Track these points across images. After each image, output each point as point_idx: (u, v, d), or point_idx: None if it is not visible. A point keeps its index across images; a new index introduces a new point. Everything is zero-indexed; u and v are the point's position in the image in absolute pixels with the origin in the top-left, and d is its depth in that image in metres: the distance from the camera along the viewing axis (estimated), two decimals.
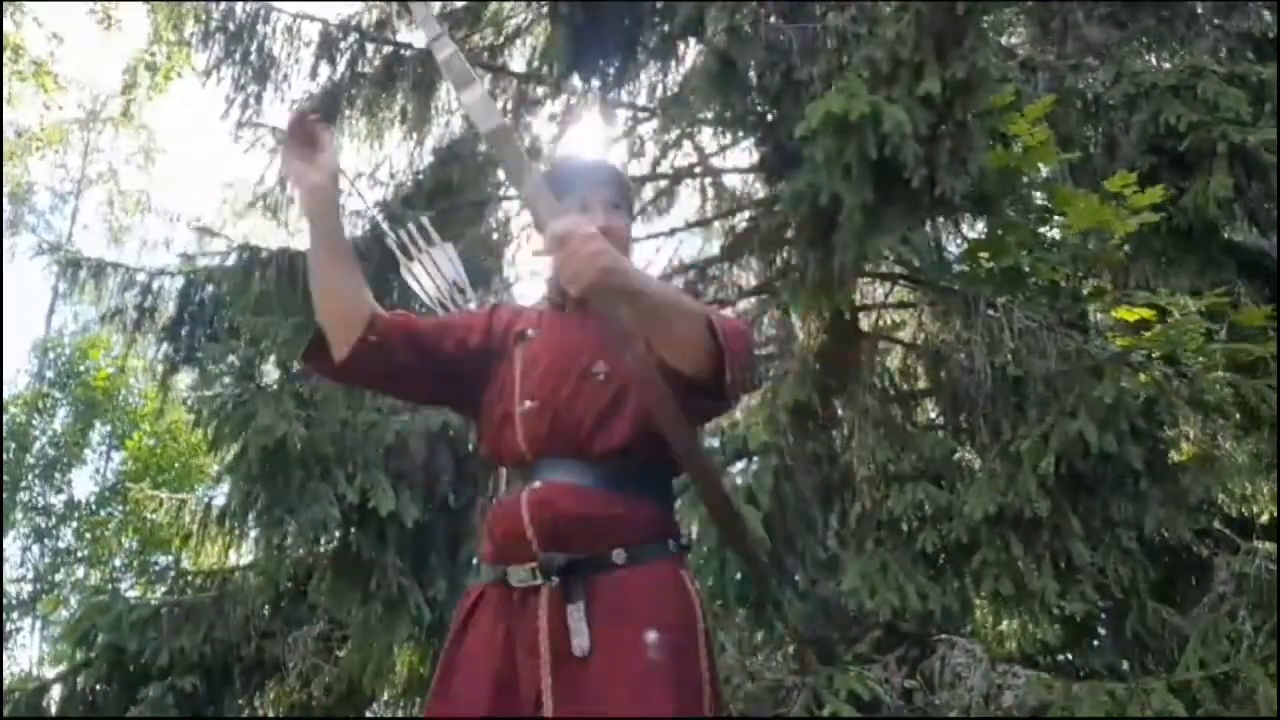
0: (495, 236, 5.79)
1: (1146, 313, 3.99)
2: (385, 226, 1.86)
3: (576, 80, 5.68)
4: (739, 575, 3.76)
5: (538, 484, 1.60)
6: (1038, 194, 4.41)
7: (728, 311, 5.49)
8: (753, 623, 3.98)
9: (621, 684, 1.45)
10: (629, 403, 1.61)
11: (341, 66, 6.08)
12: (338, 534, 4.27)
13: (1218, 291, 4.09)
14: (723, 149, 6.15)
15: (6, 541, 12.02)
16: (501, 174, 5.77)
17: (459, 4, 6.48)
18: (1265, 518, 4.19)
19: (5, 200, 13.99)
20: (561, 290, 1.74)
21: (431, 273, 1.89)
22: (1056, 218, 4.33)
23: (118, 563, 12.56)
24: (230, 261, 5.14)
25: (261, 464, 4.07)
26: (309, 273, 1.69)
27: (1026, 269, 4.24)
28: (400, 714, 5.37)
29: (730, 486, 3.93)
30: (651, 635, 1.48)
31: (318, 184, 1.64)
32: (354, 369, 1.70)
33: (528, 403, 1.66)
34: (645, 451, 1.61)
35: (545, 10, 5.85)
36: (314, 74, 6.05)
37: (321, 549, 4.46)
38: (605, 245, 1.40)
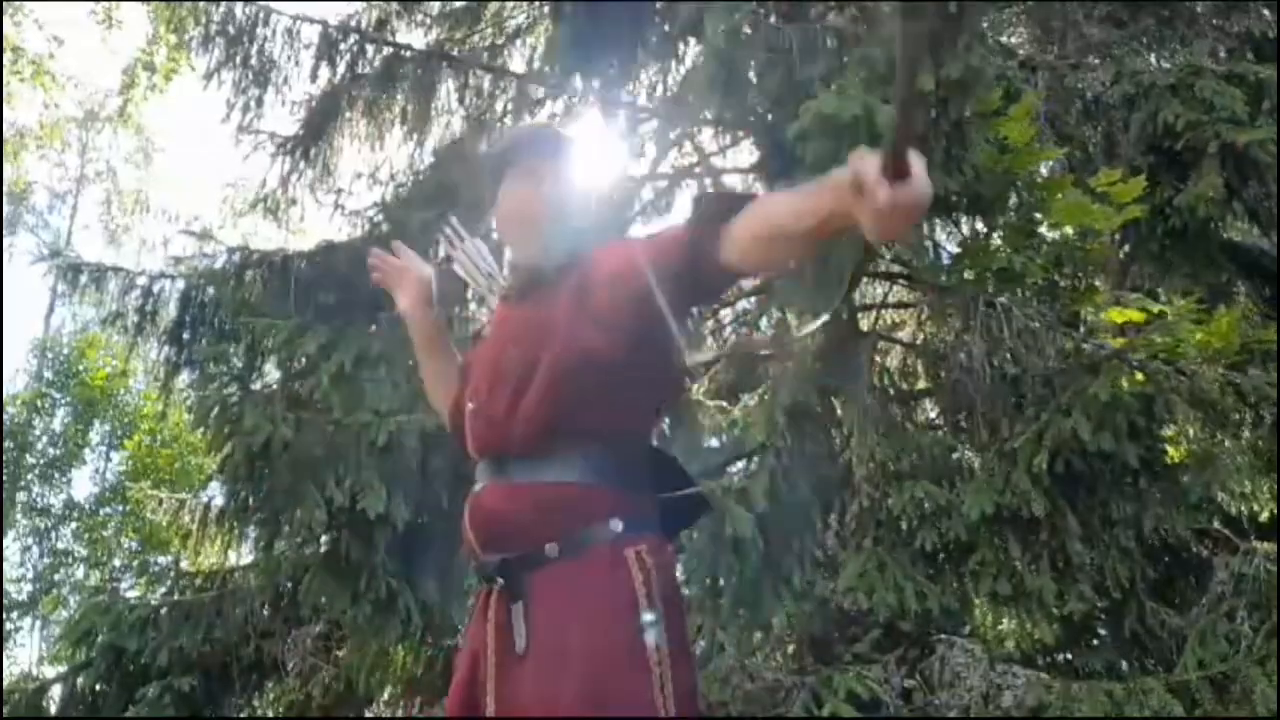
0: (495, 236, 5.79)
1: (1136, 314, 4.00)
2: (444, 235, 1.98)
3: (577, 80, 5.68)
4: (735, 576, 3.76)
5: (478, 486, 1.62)
6: (1034, 194, 4.41)
7: (726, 313, 5.50)
8: (748, 621, 3.97)
9: (548, 678, 1.44)
10: (536, 387, 1.57)
11: (341, 68, 6.08)
12: (328, 536, 4.26)
13: (1197, 295, 4.09)
14: (723, 149, 6.15)
15: (6, 542, 12.03)
16: (498, 169, 5.76)
17: (459, 4, 6.48)
18: (1265, 516, 4.19)
19: (4, 200, 13.99)
20: (512, 273, 1.78)
21: (470, 266, 1.92)
22: (1049, 217, 4.34)
23: (117, 563, 12.58)
24: (221, 264, 5.14)
25: (248, 466, 4.07)
26: (423, 375, 2.00)
27: (1019, 268, 4.24)
28: (400, 714, 5.37)
29: (728, 486, 3.93)
30: (580, 625, 1.46)
31: (407, 309, 1.94)
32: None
33: (470, 405, 1.69)
34: (564, 434, 1.56)
35: (546, 10, 5.85)
36: (314, 76, 6.05)
37: (312, 550, 4.45)
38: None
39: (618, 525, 1.54)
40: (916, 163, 1.20)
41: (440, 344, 1.93)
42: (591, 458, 1.56)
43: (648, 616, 1.48)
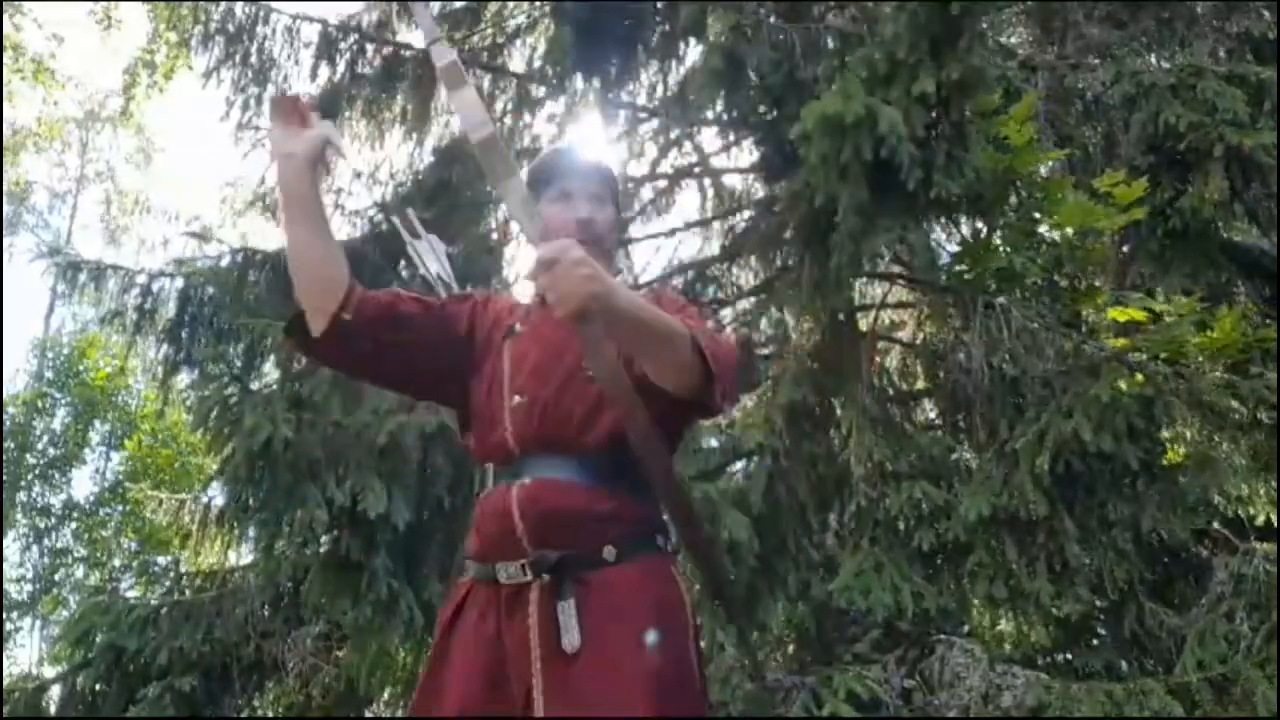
0: (495, 236, 5.79)
1: (1138, 314, 4.00)
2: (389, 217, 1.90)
3: (578, 80, 5.68)
4: (730, 575, 3.76)
5: (527, 480, 1.59)
6: (1035, 194, 4.41)
7: (726, 312, 5.50)
8: (745, 622, 3.97)
9: (612, 681, 1.44)
10: (612, 390, 1.59)
11: (341, 67, 6.08)
12: (328, 536, 4.26)
13: (1198, 295, 4.09)
14: (725, 148, 6.15)
15: (6, 541, 12.03)
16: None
17: (459, 4, 6.48)
18: (1261, 519, 4.19)
19: (4, 200, 13.99)
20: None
21: (420, 261, 1.86)
22: (1050, 217, 4.34)
23: (117, 563, 12.58)
24: (224, 263, 5.14)
25: (248, 467, 4.07)
26: (286, 246, 1.65)
27: (1019, 269, 4.24)
28: (399, 714, 5.38)
29: (724, 489, 3.93)
30: (642, 633, 1.48)
31: (291, 150, 1.60)
32: (331, 348, 1.67)
33: (517, 398, 1.65)
34: (629, 445, 1.58)
35: (546, 10, 5.85)
36: (314, 75, 6.06)
37: (314, 550, 4.45)
38: (594, 269, 1.37)
39: (662, 541, 1.61)
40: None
41: (319, 219, 1.66)
42: (643, 474, 1.59)
43: (692, 630, 1.57)
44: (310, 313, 1.64)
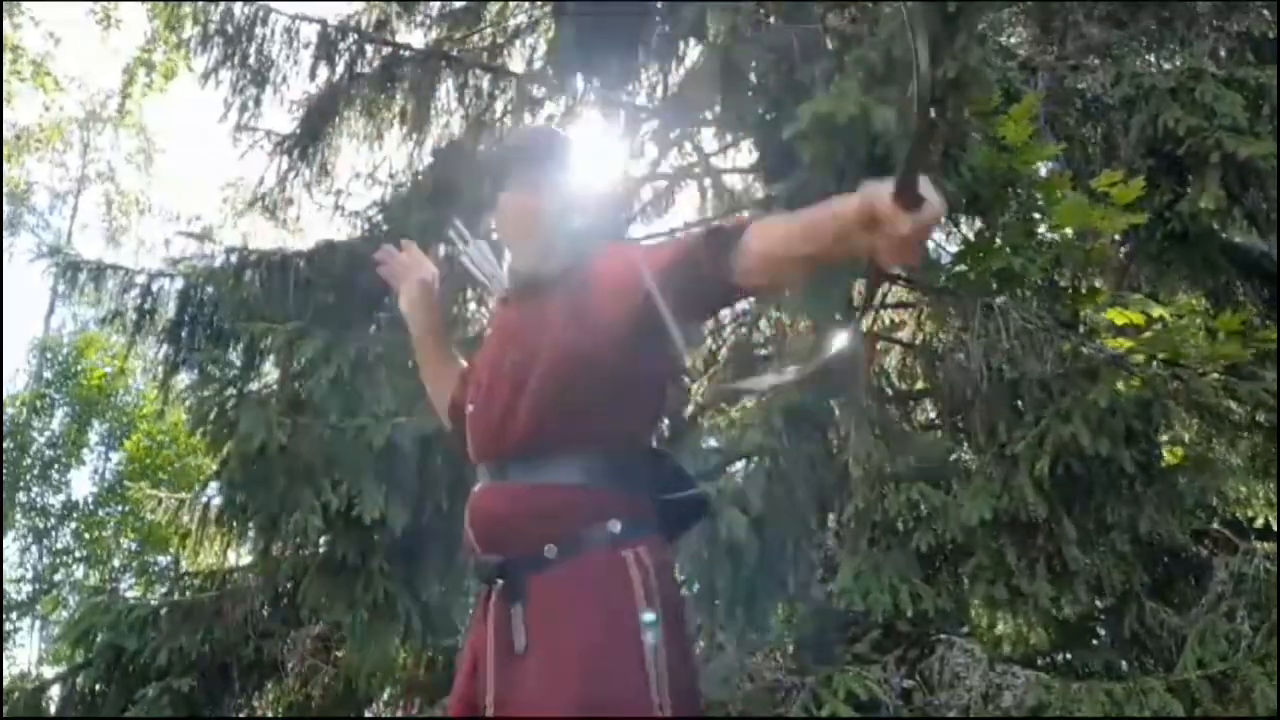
0: (495, 236, 5.78)
1: (1136, 317, 3.99)
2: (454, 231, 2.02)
3: (578, 80, 5.68)
4: (729, 575, 3.75)
5: (477, 488, 1.65)
6: (1034, 194, 4.40)
7: (725, 313, 5.50)
8: (744, 623, 3.97)
9: (545, 680, 1.45)
10: (532, 389, 1.58)
11: (340, 68, 6.08)
12: (324, 539, 4.26)
13: (1200, 295, 4.09)
14: (723, 149, 6.15)
15: (6, 542, 12.02)
16: (498, 175, 5.77)
17: (459, 4, 6.48)
18: (1260, 521, 4.20)
19: (5, 200, 13.99)
20: (512, 279, 1.79)
21: (475, 267, 1.96)
22: (1049, 218, 4.33)
23: (116, 563, 12.58)
24: (220, 263, 5.13)
25: (243, 470, 4.06)
26: (423, 372, 1.99)
27: (1019, 269, 4.24)
28: (399, 714, 5.37)
29: (723, 489, 3.92)
30: (577, 628, 1.47)
31: (412, 299, 1.93)
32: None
33: (470, 408, 1.71)
34: (561, 436, 1.57)
35: (547, 10, 5.85)
36: (313, 75, 6.05)
37: (310, 553, 4.45)
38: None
39: (616, 526, 1.55)
40: (928, 188, 1.22)
41: (441, 344, 1.95)
42: (589, 459, 1.57)
43: (646, 617, 1.49)
44: (440, 413, 1.96)
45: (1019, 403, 4.13)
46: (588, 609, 1.49)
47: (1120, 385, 3.76)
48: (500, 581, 1.55)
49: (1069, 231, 4.25)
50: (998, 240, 4.33)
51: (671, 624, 1.52)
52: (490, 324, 1.86)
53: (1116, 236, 4.24)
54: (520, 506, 1.57)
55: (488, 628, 1.54)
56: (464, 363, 1.92)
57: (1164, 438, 3.93)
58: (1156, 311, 3.96)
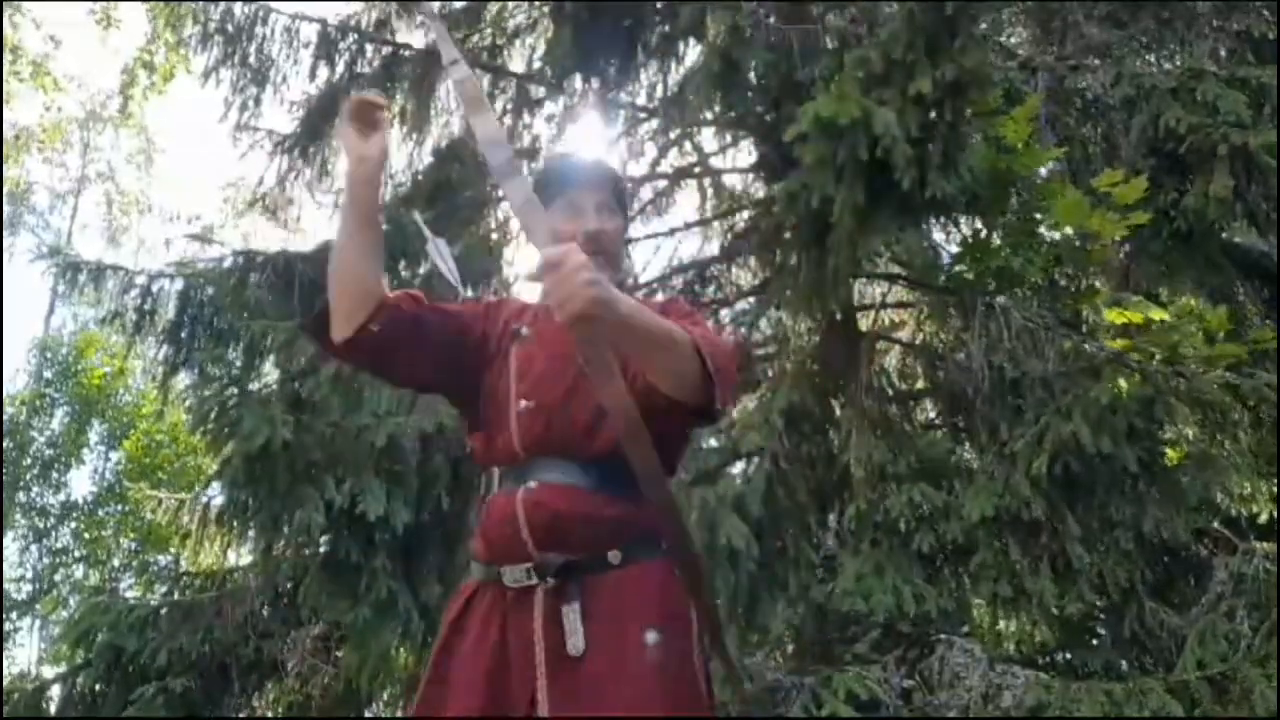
0: (495, 236, 5.79)
1: (1136, 316, 3.99)
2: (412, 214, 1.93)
3: (577, 80, 5.68)
4: (729, 581, 3.76)
5: (532, 484, 1.60)
6: (1034, 194, 4.41)
7: (725, 313, 5.50)
8: (745, 626, 3.98)
9: (620, 683, 1.45)
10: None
11: (340, 67, 6.08)
12: (327, 538, 4.26)
13: (1195, 296, 4.09)
14: (723, 149, 6.15)
15: (5, 542, 12.02)
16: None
17: (459, 4, 6.48)
18: (1264, 517, 4.20)
19: (4, 200, 13.99)
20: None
21: (438, 255, 1.87)
22: (1050, 217, 4.33)
23: (116, 563, 12.57)
24: (224, 264, 5.14)
25: (247, 469, 4.06)
26: (334, 246, 1.70)
27: (1018, 269, 4.24)
28: (399, 714, 5.37)
29: (722, 494, 3.92)
30: (649, 635, 1.48)
31: (367, 154, 1.65)
32: (351, 352, 1.71)
33: (523, 402, 1.66)
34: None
35: (546, 10, 5.85)
36: (313, 75, 6.06)
37: (312, 552, 4.45)
38: (596, 275, 1.36)
39: (663, 545, 1.60)
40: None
41: (376, 228, 1.71)
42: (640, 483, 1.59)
43: (695, 630, 1.57)
44: (338, 314, 1.67)
45: (1020, 401, 4.14)
46: (657, 617, 1.51)
47: (1122, 382, 3.76)
48: (552, 581, 1.53)
49: (1069, 231, 4.25)
50: (995, 239, 4.33)
51: (702, 640, 1.59)
52: (531, 325, 1.77)
53: (1117, 237, 4.23)
54: (598, 511, 1.57)
55: (532, 628, 1.52)
56: (380, 240, 1.73)
57: (1166, 435, 3.93)
58: (1156, 314, 3.97)
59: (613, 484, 1.58)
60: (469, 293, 5.17)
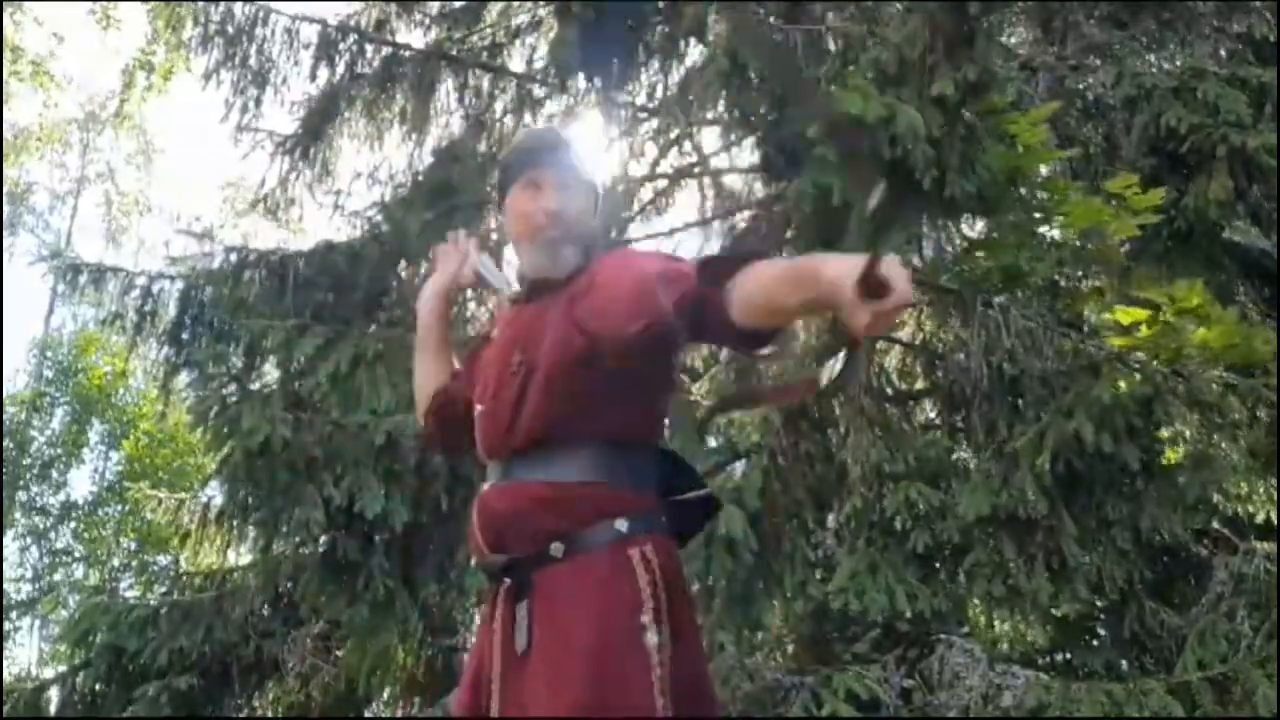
0: (495, 237, 5.79)
1: (1142, 314, 3.99)
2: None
3: (579, 80, 5.68)
4: (726, 572, 3.75)
5: (485, 486, 1.64)
6: (1039, 194, 4.40)
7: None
8: (740, 619, 3.97)
9: (547, 679, 1.44)
10: (536, 388, 1.59)
11: (340, 68, 6.08)
12: (326, 536, 4.26)
13: (1197, 291, 4.08)
14: (726, 147, 6.15)
15: (5, 542, 12.02)
16: (498, 175, 5.79)
17: (459, 4, 6.48)
18: (1261, 517, 4.19)
19: (5, 201, 13.99)
20: (520, 281, 1.79)
21: (491, 274, 1.97)
22: (1057, 217, 4.33)
23: (116, 563, 12.58)
24: (220, 264, 5.14)
25: (247, 467, 4.07)
26: (415, 365, 1.98)
27: (1025, 268, 4.24)
28: (399, 714, 5.37)
29: (722, 487, 3.92)
30: (581, 629, 1.46)
31: (436, 289, 1.96)
32: (437, 442, 2.01)
33: (479, 408, 1.70)
34: (567, 434, 1.57)
35: (551, 10, 5.84)
36: (313, 76, 6.05)
37: (311, 550, 4.45)
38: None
39: (623, 525, 1.54)
40: (894, 270, 1.24)
41: (443, 342, 1.95)
42: (595, 458, 1.57)
43: (647, 617, 1.47)
44: (419, 412, 1.96)
45: (1020, 400, 4.14)
46: (592, 608, 1.47)
47: (1122, 382, 3.76)
48: (508, 581, 1.54)
49: (1069, 231, 4.25)
50: (994, 236, 4.32)
51: (680, 623, 1.51)
52: (496, 325, 1.83)
53: (1113, 236, 4.24)
54: (526, 504, 1.56)
55: (494, 628, 1.54)
56: (457, 364, 1.93)
57: (1165, 434, 3.93)
58: (1161, 297, 3.94)
59: (551, 472, 1.56)
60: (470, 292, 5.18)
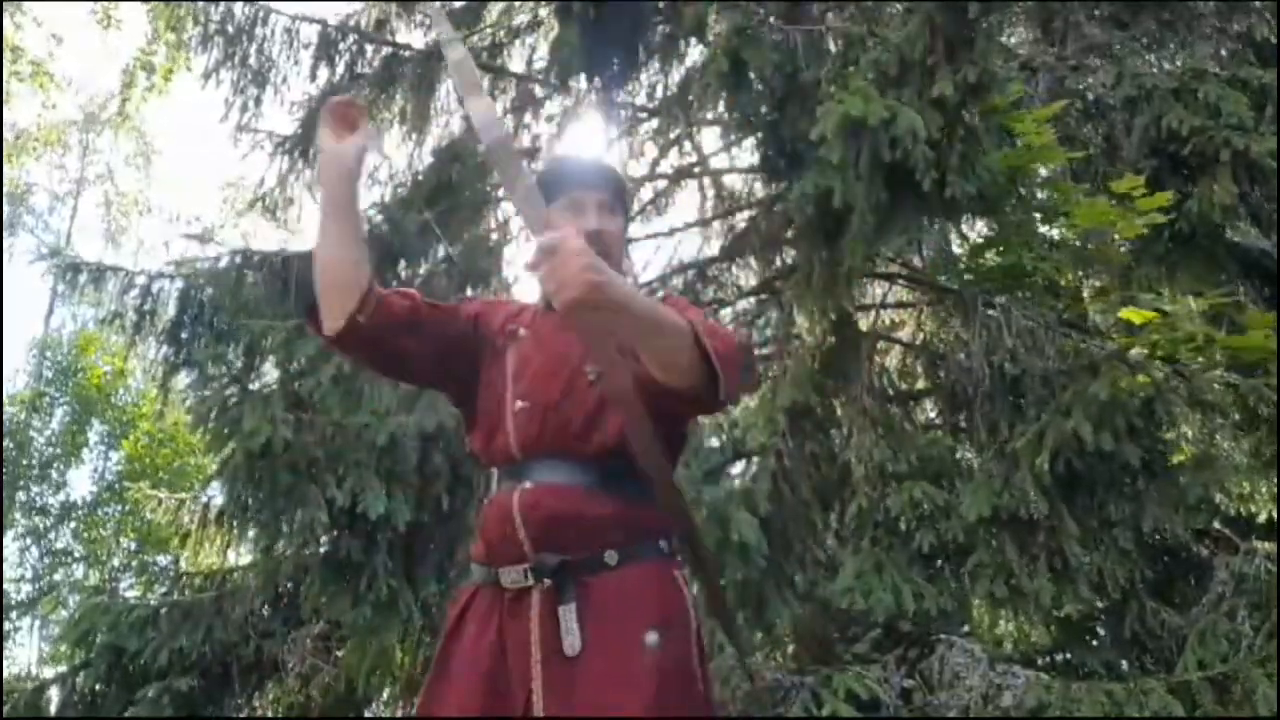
0: (495, 237, 5.79)
1: (1149, 314, 3.99)
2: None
3: (581, 80, 5.68)
4: (739, 577, 3.76)
5: (528, 485, 1.61)
6: (1041, 194, 4.40)
7: (726, 313, 5.50)
8: (751, 624, 3.98)
9: (618, 684, 1.45)
10: (617, 394, 1.60)
11: (340, 68, 6.09)
12: (328, 536, 4.26)
13: (1219, 292, 4.08)
14: (726, 147, 6.15)
15: (5, 542, 12.01)
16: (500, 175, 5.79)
17: (459, 4, 6.48)
18: (1264, 517, 4.19)
19: (4, 201, 13.99)
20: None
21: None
22: (1060, 217, 4.33)
23: (116, 563, 12.56)
24: (220, 264, 5.14)
25: (249, 468, 4.06)
26: (315, 243, 1.70)
27: (1029, 268, 4.24)
28: (399, 714, 5.37)
29: (730, 490, 3.92)
30: (648, 636, 1.49)
31: (341, 152, 1.66)
32: (345, 344, 1.71)
33: (519, 403, 1.66)
34: (630, 450, 1.59)
35: (552, 10, 5.85)
36: (313, 76, 6.06)
37: (313, 551, 4.45)
38: (593, 259, 1.35)
39: (664, 545, 1.61)
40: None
41: (354, 222, 1.72)
42: (648, 476, 1.59)
43: (695, 634, 1.57)
44: (327, 310, 1.68)
45: (1021, 400, 4.14)
46: (653, 618, 1.51)
47: (1123, 381, 3.76)
48: (548, 582, 1.54)
49: (1069, 231, 4.25)
50: (1003, 234, 4.32)
51: (702, 643, 1.59)
52: (528, 325, 1.78)
53: (1118, 236, 4.24)
54: (591, 510, 1.57)
55: (528, 629, 1.52)
56: (358, 232, 1.73)
57: (1168, 435, 3.93)
58: (1169, 306, 3.95)
59: (610, 483, 1.59)
60: (470, 291, 5.18)
